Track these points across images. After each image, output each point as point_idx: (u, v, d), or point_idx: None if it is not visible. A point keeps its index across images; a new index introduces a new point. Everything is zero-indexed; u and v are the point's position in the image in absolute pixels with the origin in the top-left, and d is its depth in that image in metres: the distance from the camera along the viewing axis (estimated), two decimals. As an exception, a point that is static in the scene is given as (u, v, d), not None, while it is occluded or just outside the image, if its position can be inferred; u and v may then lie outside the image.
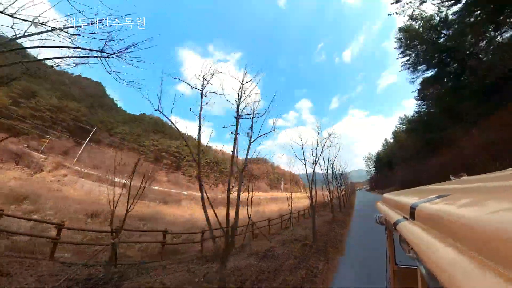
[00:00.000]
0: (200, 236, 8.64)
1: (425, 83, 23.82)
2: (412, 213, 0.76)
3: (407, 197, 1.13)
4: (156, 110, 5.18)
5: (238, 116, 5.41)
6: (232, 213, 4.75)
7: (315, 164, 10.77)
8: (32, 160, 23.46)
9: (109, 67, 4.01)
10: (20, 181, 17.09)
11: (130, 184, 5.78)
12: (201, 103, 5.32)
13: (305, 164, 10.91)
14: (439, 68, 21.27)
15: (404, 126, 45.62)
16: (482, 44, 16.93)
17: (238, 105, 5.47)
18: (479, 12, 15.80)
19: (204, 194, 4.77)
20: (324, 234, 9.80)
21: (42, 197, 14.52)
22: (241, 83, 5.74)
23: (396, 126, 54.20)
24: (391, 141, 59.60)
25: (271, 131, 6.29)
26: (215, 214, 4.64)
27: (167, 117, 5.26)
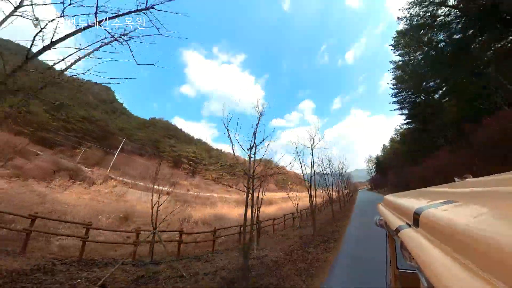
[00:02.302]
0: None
1: (408, 116, 32.98)
2: (415, 220, 0.71)
3: (410, 201, 1.07)
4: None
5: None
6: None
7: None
8: (84, 175, 24.13)
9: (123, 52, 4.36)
10: (96, 197, 18.10)
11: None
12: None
13: (306, 166, 19.85)
14: (414, 113, 30.24)
15: (398, 137, 54.66)
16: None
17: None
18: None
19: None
20: (343, 210, 19.87)
21: (126, 211, 14.75)
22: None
23: (392, 136, 63.25)
24: (389, 147, 68.54)
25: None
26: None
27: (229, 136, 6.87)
